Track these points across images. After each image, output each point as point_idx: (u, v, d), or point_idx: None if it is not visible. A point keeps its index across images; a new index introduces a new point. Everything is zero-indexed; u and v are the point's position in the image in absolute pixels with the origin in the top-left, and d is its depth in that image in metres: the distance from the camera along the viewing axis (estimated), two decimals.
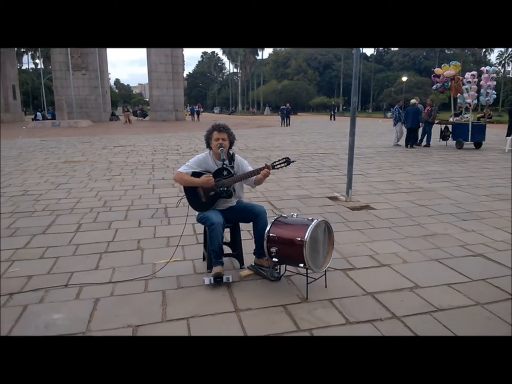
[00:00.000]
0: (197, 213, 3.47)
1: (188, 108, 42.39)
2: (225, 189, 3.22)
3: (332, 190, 6.72)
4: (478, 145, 12.68)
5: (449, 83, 12.07)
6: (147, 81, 35.82)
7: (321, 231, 3.01)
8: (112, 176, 8.12)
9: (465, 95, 12.06)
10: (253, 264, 3.47)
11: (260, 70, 72.92)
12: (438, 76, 12.44)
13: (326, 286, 3.15)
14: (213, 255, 3.23)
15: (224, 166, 3.24)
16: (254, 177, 3.30)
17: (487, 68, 12.16)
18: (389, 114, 41.74)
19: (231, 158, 3.35)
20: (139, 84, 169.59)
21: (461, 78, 12.22)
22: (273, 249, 2.99)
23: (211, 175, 3.23)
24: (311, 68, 72.37)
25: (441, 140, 13.59)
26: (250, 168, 3.42)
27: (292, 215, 3.18)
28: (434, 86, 12.91)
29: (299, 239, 2.86)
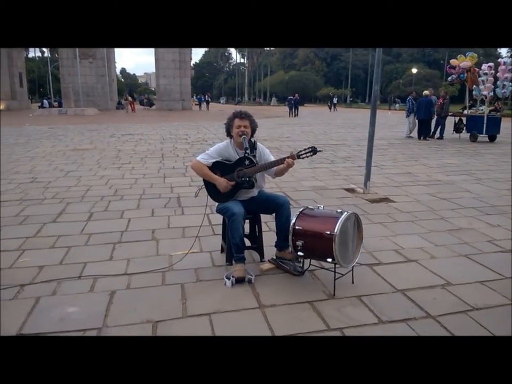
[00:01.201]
0: (216, 203, 3.30)
1: (195, 97, 41.99)
2: (247, 179, 3.05)
3: (348, 182, 6.53)
4: (492, 138, 12.39)
5: (465, 74, 11.75)
6: (153, 71, 35.74)
7: (351, 225, 2.84)
8: (122, 165, 7.96)
9: (481, 87, 11.74)
10: (274, 257, 3.31)
11: (267, 60, 72.22)
12: (454, 67, 12.11)
13: (353, 282, 2.99)
14: (234, 248, 3.07)
15: (246, 155, 3.06)
16: (276, 167, 3.13)
17: (505, 59, 11.83)
18: (397, 106, 41.31)
19: (253, 146, 3.17)
20: (144, 73, 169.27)
21: (477, 69, 11.89)
22: (299, 243, 2.83)
23: (232, 182, 3.08)
24: (318, 58, 71.63)
25: (454, 132, 13.29)
26: (272, 158, 3.24)
27: (318, 207, 3.00)
28: (449, 78, 12.59)
29: (328, 232, 2.69)
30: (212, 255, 3.54)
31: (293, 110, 25.61)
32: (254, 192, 3.24)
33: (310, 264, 3.10)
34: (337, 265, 2.79)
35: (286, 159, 2.95)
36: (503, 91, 11.73)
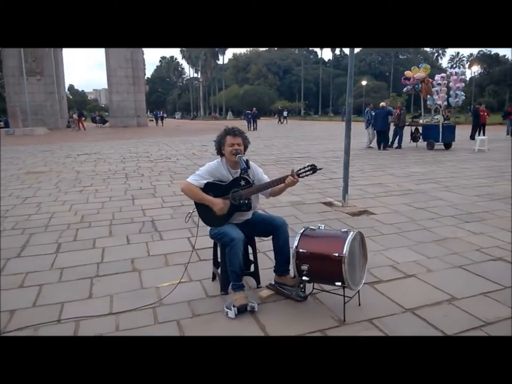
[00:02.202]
0: (208, 228, 3.06)
1: (151, 113, 41.32)
2: (246, 201, 2.84)
3: (324, 195, 6.48)
4: (447, 145, 12.97)
5: (420, 85, 12.27)
6: (102, 87, 34.74)
7: (357, 244, 2.71)
8: (84, 187, 7.47)
9: (436, 96, 12.30)
10: (273, 282, 3.11)
11: (220, 74, 72.57)
12: (408, 79, 12.63)
13: (359, 304, 2.85)
14: (232, 277, 2.84)
15: (242, 175, 2.86)
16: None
17: (456, 70, 12.49)
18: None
19: (246, 165, 2.97)
20: (94, 90, 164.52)
21: (430, 80, 12.45)
22: (304, 267, 2.65)
23: (228, 201, 2.86)
24: (271, 72, 72.94)
25: (411, 141, 13.80)
26: (265, 176, 3.07)
27: (319, 227, 2.85)
28: (405, 89, 13.10)
29: (336, 254, 2.54)
30: (203, 284, 3.29)
31: (252, 124, 25.68)
32: (249, 215, 3.04)
33: (313, 288, 2.93)
34: (345, 288, 2.64)
35: (288, 177, 2.78)
36: (456, 100, 12.35)
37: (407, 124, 13.71)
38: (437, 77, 12.28)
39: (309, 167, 2.77)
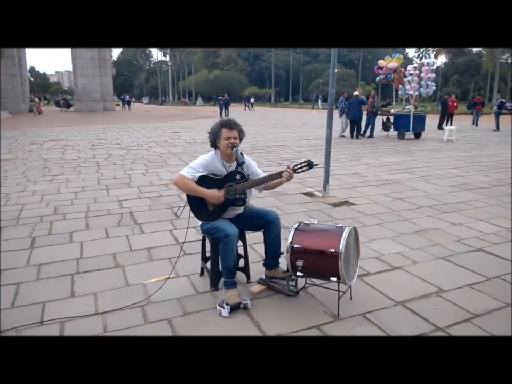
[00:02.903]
0: (199, 222, 2.97)
1: (117, 97, 40.00)
2: (242, 196, 2.77)
3: (304, 185, 6.47)
4: (418, 135, 13.28)
5: (392, 75, 12.43)
6: (65, 69, 33.34)
7: (352, 239, 2.70)
8: (54, 177, 7.13)
9: (408, 86, 12.52)
10: (263, 277, 3.07)
11: (189, 58, 70.98)
12: (381, 68, 12.77)
13: (351, 298, 2.86)
14: (225, 273, 2.77)
15: (237, 169, 2.78)
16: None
17: (428, 60, 12.73)
18: (321, 105, 42.94)
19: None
20: (56, 72, 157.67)
21: (402, 70, 12.64)
22: (299, 263, 2.62)
23: (223, 192, 2.77)
24: (241, 58, 72.02)
25: (383, 130, 14.03)
26: (259, 170, 3.00)
27: (312, 221, 2.82)
28: (377, 78, 13.24)
29: (332, 250, 2.52)
30: (191, 280, 3.20)
31: (224, 110, 25.39)
32: (241, 209, 2.97)
33: (305, 283, 2.91)
34: (341, 283, 2.63)
35: (284, 172, 2.72)
36: (427, 90, 12.61)
37: (379, 112, 13.90)
38: (409, 67, 12.49)
39: (305, 163, 2.71)
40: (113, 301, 2.86)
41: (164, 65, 78.24)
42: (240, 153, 2.82)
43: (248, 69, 72.20)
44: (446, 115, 16.70)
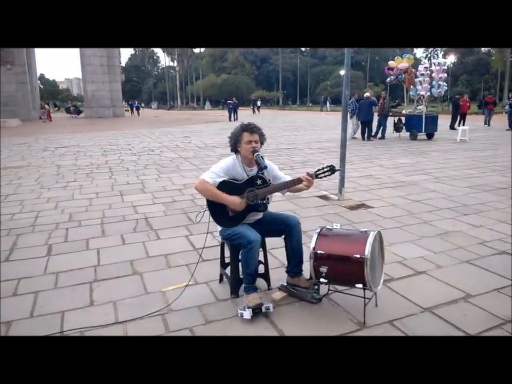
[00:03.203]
0: (218, 228, 2.91)
1: (126, 103, 40.33)
2: (264, 202, 2.71)
3: (318, 188, 6.38)
4: (430, 136, 13.12)
5: (403, 75, 12.31)
6: (74, 76, 33.60)
7: (377, 245, 2.63)
8: (67, 183, 7.15)
9: (419, 87, 12.38)
10: (285, 284, 3.00)
11: (197, 63, 71.36)
12: (392, 69, 12.65)
13: (376, 305, 2.78)
14: (247, 279, 2.72)
15: (259, 173, 2.72)
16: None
17: (439, 60, 12.59)
18: (329, 107, 42.80)
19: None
20: (66, 79, 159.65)
21: (413, 70, 12.52)
22: (323, 269, 2.55)
23: (245, 199, 2.72)
24: (248, 61, 72.18)
25: (394, 131, 13.89)
26: (282, 174, 2.94)
27: (335, 226, 2.75)
28: (388, 79, 13.13)
29: (358, 256, 2.44)
30: (211, 287, 3.15)
31: (233, 114, 25.41)
32: (260, 214, 2.91)
33: (328, 290, 2.83)
34: (366, 290, 2.55)
35: (305, 178, 2.66)
36: (438, 91, 12.47)
37: (390, 113, 13.77)
38: (421, 67, 12.36)
39: (328, 168, 2.65)
40: (133, 309, 2.82)
41: (172, 71, 78.68)
42: (261, 157, 2.77)
43: (256, 72, 72.30)
44: (458, 115, 16.48)
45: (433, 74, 12.41)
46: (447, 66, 12.35)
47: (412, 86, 12.68)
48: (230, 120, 25.21)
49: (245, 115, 31.01)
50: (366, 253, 2.43)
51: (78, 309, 2.83)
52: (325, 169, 2.64)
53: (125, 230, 4.51)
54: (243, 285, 2.83)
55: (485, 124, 18.27)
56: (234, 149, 2.82)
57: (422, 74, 12.26)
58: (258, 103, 39.87)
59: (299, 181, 2.66)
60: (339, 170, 2.66)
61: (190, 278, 3.07)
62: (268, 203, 2.78)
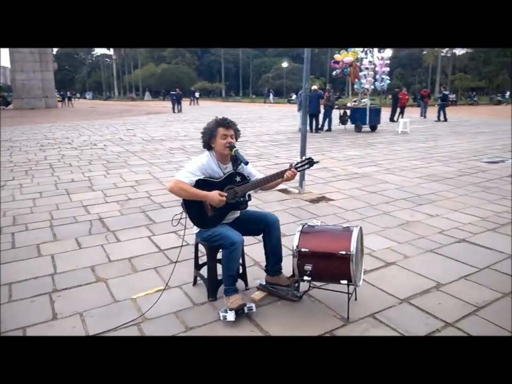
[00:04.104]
0: (195, 230, 2.76)
1: (58, 93, 37.77)
2: (246, 199, 2.60)
3: None
4: (373, 128, 13.65)
5: (348, 69, 12.64)
6: (1, 64, 30.86)
7: (359, 240, 2.62)
8: (5, 182, 6.50)
9: (363, 80, 12.80)
10: (264, 283, 2.92)
11: (134, 51, 68.44)
12: (338, 62, 12.94)
13: (356, 299, 2.79)
14: (228, 281, 2.60)
15: (237, 170, 2.60)
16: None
17: (382, 55, 13.07)
18: (272, 99, 43.22)
19: (236, 159, 2.70)
20: None
21: (358, 64, 12.90)
22: (308, 267, 2.51)
23: (225, 194, 2.58)
24: (189, 51, 70.64)
25: (340, 124, 14.28)
26: (255, 170, 2.84)
27: (316, 222, 2.71)
28: (334, 72, 13.42)
29: (343, 252, 2.42)
30: (185, 291, 2.99)
31: (176, 105, 24.75)
32: (238, 213, 2.80)
33: (309, 287, 2.80)
34: (350, 285, 2.55)
35: (286, 172, 2.58)
36: (382, 84, 12.97)
37: (336, 106, 14.13)
38: (365, 61, 12.76)
39: (306, 161, 2.61)
40: (103, 320, 2.60)
41: (107, 59, 75.03)
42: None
43: (197, 62, 70.97)
44: (398, 108, 17.32)
45: (377, 68, 12.89)
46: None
47: (356, 80, 13.07)
48: (173, 111, 24.55)
49: (185, 106, 30.44)
50: (352, 249, 2.42)
51: (40, 324, 2.56)
52: (304, 162, 2.59)
53: (79, 233, 4.17)
54: (223, 287, 2.71)
55: (421, 115, 19.39)
56: (208, 145, 2.68)
57: (367, 68, 12.69)
58: (197, 94, 39.08)
59: (280, 175, 2.59)
60: (317, 162, 2.63)
61: (167, 283, 2.89)
62: (249, 200, 2.67)
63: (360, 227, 2.65)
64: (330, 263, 2.49)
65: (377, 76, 12.93)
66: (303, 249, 2.52)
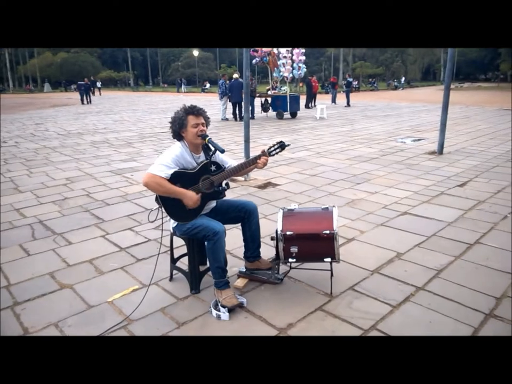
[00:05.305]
0: (173, 224, 2.68)
1: None
2: (224, 187, 2.60)
3: None
4: (294, 114, 14.15)
5: (267, 57, 12.89)
6: None
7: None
8: None
9: (282, 69, 13.15)
10: (244, 269, 2.96)
11: None
12: (257, 51, 13.11)
13: (332, 275, 2.95)
14: (217, 273, 2.57)
15: (211, 159, 2.58)
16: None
17: None
18: (185, 88, 42.43)
19: (208, 148, 2.66)
20: None
21: (276, 52, 13.20)
22: (294, 249, 2.60)
23: (199, 194, 2.55)
24: None
25: (262, 111, 14.56)
26: (227, 157, 2.83)
27: (294, 206, 2.80)
28: (254, 61, 13.56)
29: (328, 232, 2.55)
30: (163, 287, 2.90)
31: (86, 96, 23.08)
32: (214, 202, 2.78)
33: (290, 268, 2.89)
34: (332, 262, 2.70)
35: (260, 159, 2.62)
36: (299, 72, 13.44)
37: (257, 94, 14.35)
38: (283, 50, 13.10)
39: (278, 145, 2.66)
40: (83, 328, 2.43)
41: None
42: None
43: (99, 51, 66.54)
44: (312, 95, 18.14)
45: (294, 57, 13.33)
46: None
47: (275, 68, 13.39)
48: (82, 103, 22.90)
49: (93, 97, 28.58)
50: (335, 228, 2.56)
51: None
52: (276, 146, 2.64)
53: (21, 239, 3.78)
54: (205, 279, 2.69)
55: (332, 102, 20.54)
56: (178, 135, 2.61)
57: (285, 57, 13.05)
58: (98, 84, 36.70)
59: (254, 161, 2.62)
60: (288, 145, 2.71)
61: (151, 281, 2.77)
62: (228, 188, 2.66)
63: (335, 206, 2.80)
64: (315, 244, 2.60)
65: (295, 64, 13.38)
66: (288, 233, 2.60)
